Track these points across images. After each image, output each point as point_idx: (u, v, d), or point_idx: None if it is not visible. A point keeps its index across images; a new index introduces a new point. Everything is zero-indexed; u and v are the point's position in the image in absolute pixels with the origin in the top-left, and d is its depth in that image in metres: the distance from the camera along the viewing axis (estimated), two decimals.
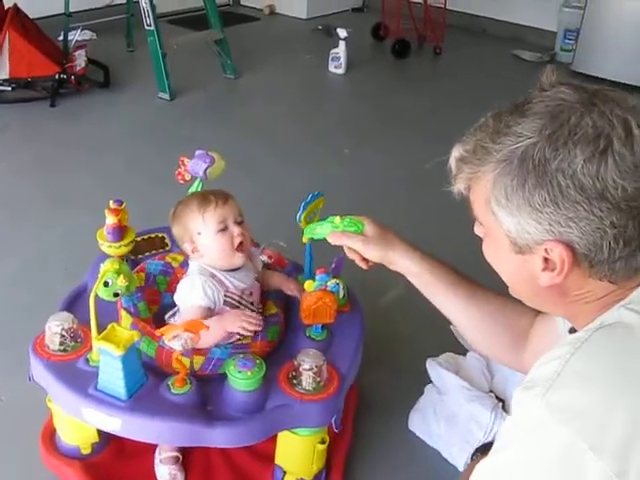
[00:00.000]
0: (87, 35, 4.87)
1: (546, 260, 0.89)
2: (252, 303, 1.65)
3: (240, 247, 1.58)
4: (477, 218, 0.98)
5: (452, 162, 0.97)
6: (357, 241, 1.34)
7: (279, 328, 1.67)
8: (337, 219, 1.40)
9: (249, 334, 1.53)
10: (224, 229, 1.56)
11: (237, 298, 1.61)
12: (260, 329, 1.52)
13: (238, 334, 1.54)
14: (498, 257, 0.98)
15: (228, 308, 1.59)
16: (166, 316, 1.69)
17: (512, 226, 0.89)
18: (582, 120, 0.84)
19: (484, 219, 0.95)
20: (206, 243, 1.57)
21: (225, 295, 1.58)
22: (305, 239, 1.52)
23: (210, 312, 1.56)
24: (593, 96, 0.87)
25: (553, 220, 0.85)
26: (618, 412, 0.77)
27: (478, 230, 1.01)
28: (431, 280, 1.33)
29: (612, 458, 0.75)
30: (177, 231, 1.63)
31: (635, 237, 0.85)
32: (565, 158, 0.82)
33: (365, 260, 1.37)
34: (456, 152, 0.96)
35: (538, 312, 1.29)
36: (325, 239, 1.41)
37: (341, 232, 1.37)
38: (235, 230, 1.57)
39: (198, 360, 1.53)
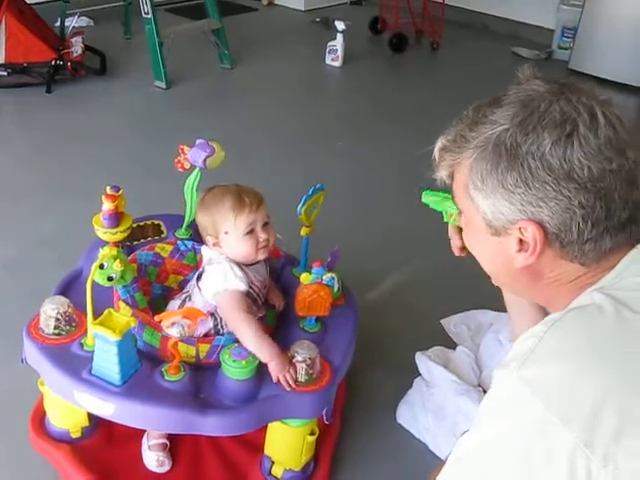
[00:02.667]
0: (84, 22, 4.86)
1: (520, 241, 0.93)
2: (263, 296, 1.67)
3: (264, 247, 1.60)
4: (458, 206, 1.03)
5: (435, 152, 1.03)
6: None
7: (275, 312, 1.70)
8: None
9: (279, 385, 1.50)
10: (251, 232, 1.58)
11: (257, 290, 1.63)
12: (290, 390, 1.50)
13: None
14: (477, 242, 1.03)
15: (249, 300, 1.60)
16: (174, 303, 1.68)
17: (487, 208, 0.94)
18: (550, 107, 0.89)
19: (463, 205, 1.00)
20: (231, 243, 1.58)
21: (249, 286, 1.59)
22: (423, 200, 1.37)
23: (246, 298, 1.57)
24: (562, 86, 0.93)
25: (524, 200, 0.90)
26: (588, 385, 0.80)
27: (462, 221, 1.05)
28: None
29: (580, 428, 0.78)
30: (203, 221, 1.63)
31: (603, 219, 0.89)
32: (534, 142, 0.88)
33: (462, 248, 1.26)
34: (439, 142, 1.02)
35: None
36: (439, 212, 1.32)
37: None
38: (261, 235, 1.58)
39: (204, 348, 1.55)
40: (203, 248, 1.67)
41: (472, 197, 0.95)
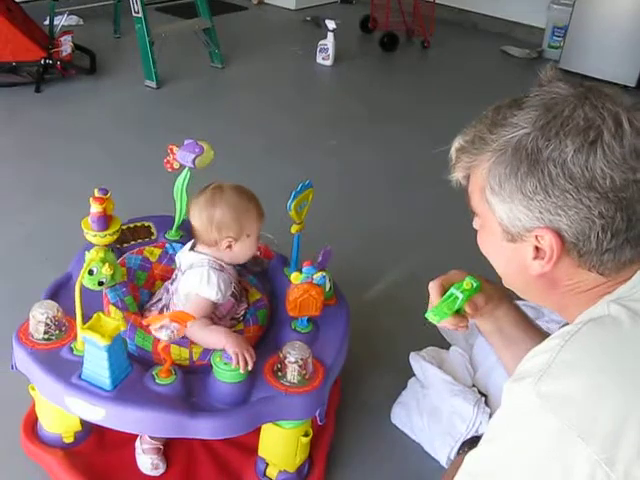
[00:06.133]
0: (74, 20, 4.82)
1: (537, 249, 0.91)
2: (240, 289, 1.70)
3: None
4: (473, 209, 1.00)
5: (452, 152, 0.99)
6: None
7: (266, 311, 1.69)
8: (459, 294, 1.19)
9: (235, 363, 1.45)
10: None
11: (237, 287, 1.66)
12: (250, 369, 1.47)
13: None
14: (492, 247, 1.00)
15: (232, 299, 1.63)
16: (152, 306, 1.69)
17: (504, 213, 0.91)
18: (574, 112, 0.86)
19: (479, 208, 0.97)
20: (247, 245, 1.65)
21: (232, 285, 1.63)
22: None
23: (215, 306, 1.59)
24: (587, 91, 0.89)
25: (543, 208, 0.87)
26: (608, 401, 0.78)
27: (476, 223, 1.03)
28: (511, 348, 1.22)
29: (601, 445, 0.76)
30: (224, 219, 1.60)
31: (623, 230, 0.87)
32: (556, 148, 0.85)
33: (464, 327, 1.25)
34: (456, 143, 0.98)
35: None
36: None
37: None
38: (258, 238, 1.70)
39: (197, 350, 1.54)
40: (185, 253, 1.66)
41: (489, 201, 0.93)
